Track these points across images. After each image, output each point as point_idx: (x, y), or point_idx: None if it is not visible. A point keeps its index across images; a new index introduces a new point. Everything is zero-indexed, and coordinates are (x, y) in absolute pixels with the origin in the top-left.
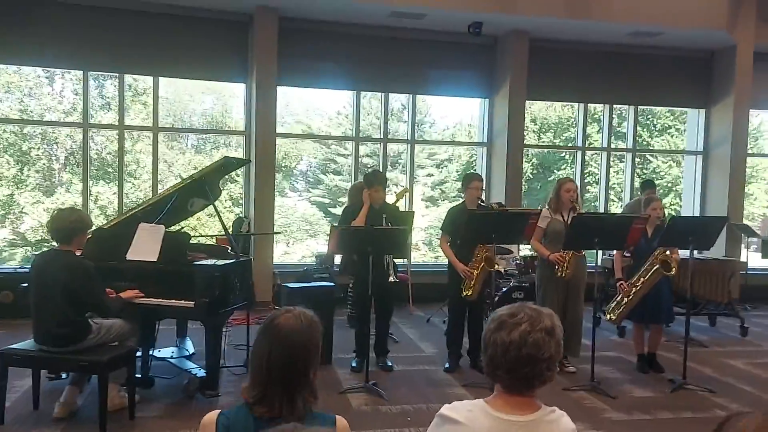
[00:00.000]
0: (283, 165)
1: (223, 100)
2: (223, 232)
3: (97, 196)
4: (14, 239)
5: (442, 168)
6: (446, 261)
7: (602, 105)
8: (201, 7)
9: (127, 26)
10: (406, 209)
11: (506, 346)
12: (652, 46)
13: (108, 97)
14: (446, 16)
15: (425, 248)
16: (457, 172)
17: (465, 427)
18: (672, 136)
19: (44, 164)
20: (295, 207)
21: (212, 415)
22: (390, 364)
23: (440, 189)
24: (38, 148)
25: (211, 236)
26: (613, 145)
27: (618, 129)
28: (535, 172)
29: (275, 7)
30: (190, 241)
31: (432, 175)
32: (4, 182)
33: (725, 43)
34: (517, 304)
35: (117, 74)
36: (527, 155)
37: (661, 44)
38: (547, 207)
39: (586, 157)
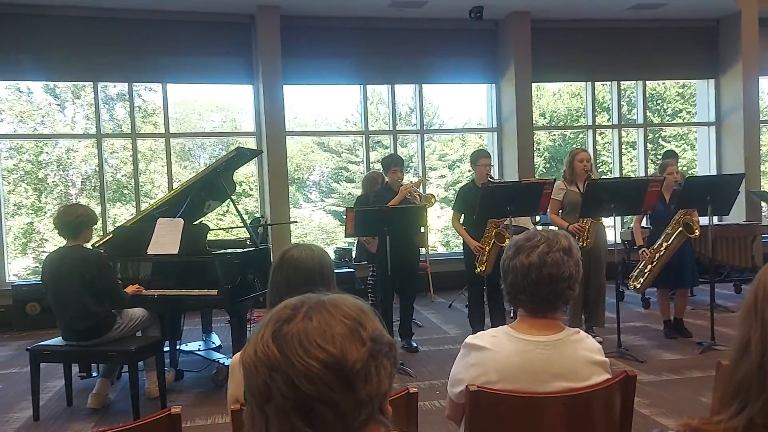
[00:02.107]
0: (295, 177)
1: (231, 115)
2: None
3: (115, 219)
4: (37, 267)
5: (454, 168)
6: (461, 248)
7: (609, 84)
8: (203, 11)
9: (132, 35)
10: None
11: (526, 268)
12: (656, 19)
13: (119, 120)
14: (446, 2)
15: (443, 249)
16: (470, 171)
17: (491, 352)
18: (683, 120)
19: (61, 190)
20: (311, 217)
21: (240, 356)
22: (415, 345)
23: (453, 189)
24: (54, 175)
25: (226, 228)
26: (623, 132)
27: (628, 116)
28: (547, 165)
29: (276, 6)
30: (209, 238)
31: (444, 176)
32: (23, 211)
33: (729, 10)
34: (532, 230)
35: (126, 88)
36: (538, 149)
37: (664, 16)
38: (562, 179)
39: (598, 147)
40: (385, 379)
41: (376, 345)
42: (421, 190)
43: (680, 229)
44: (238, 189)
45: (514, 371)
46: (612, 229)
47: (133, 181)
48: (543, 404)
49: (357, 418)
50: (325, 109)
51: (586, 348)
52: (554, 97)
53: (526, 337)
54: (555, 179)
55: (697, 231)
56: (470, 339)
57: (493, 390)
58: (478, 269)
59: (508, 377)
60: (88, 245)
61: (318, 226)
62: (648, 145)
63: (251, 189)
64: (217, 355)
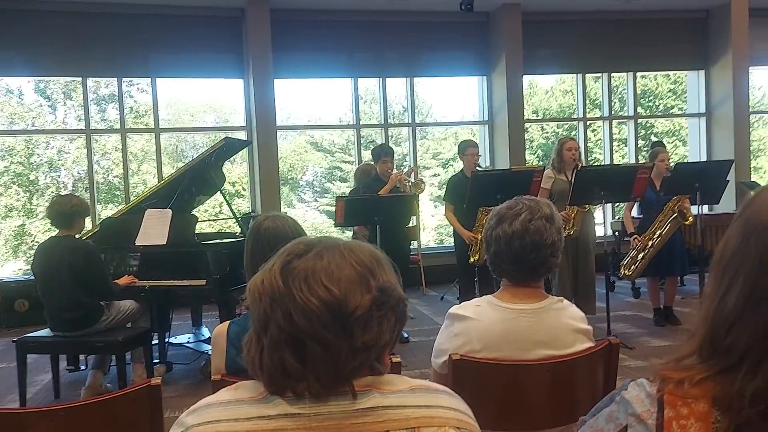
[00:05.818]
0: (289, 177)
1: (224, 116)
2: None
3: None
4: (28, 270)
5: (447, 168)
6: (452, 241)
7: (600, 77)
8: (193, 5)
9: (121, 30)
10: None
11: (509, 237)
12: (646, 10)
13: (111, 121)
14: None
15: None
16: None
17: (474, 321)
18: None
19: (53, 192)
20: (304, 217)
21: (223, 326)
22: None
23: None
24: (46, 177)
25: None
26: (615, 128)
27: (620, 113)
28: (540, 163)
29: None
30: (198, 230)
31: (438, 175)
32: (14, 213)
33: (719, 1)
34: (513, 199)
35: (116, 87)
36: (531, 147)
37: (654, 7)
38: (550, 167)
39: (590, 144)
40: (386, 331)
41: (383, 295)
42: (412, 178)
43: (674, 215)
44: (231, 189)
45: (497, 339)
46: (602, 222)
47: (123, 181)
48: (526, 372)
49: (349, 363)
50: (317, 109)
51: (569, 316)
52: (547, 95)
53: (509, 306)
54: (545, 167)
55: (690, 218)
56: (453, 309)
57: (476, 358)
58: (472, 259)
59: (491, 345)
60: (79, 236)
61: (312, 225)
62: (639, 141)
63: (244, 190)
64: (206, 347)
